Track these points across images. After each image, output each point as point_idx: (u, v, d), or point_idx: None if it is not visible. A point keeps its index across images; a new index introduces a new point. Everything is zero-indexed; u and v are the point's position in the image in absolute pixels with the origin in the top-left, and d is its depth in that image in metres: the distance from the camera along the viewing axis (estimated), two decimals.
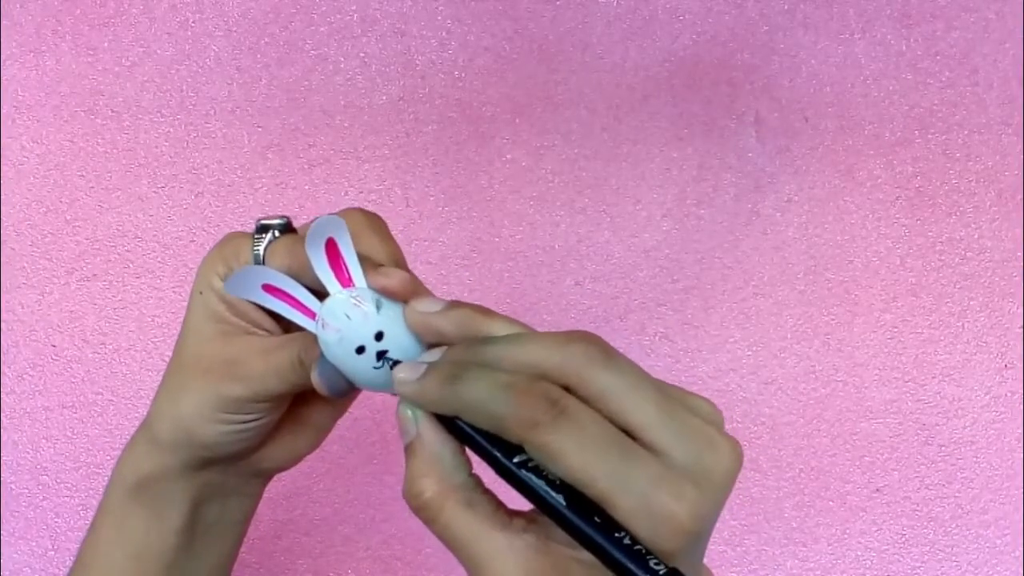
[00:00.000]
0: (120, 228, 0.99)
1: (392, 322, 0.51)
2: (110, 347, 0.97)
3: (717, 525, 0.45)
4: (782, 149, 1.01)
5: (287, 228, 0.56)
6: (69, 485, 0.95)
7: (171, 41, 1.01)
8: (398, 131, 1.01)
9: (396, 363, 0.50)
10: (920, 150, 1.02)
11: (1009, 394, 0.99)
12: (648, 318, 0.99)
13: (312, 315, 0.51)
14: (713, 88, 1.02)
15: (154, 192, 0.99)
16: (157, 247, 0.99)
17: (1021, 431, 0.98)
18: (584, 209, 1.00)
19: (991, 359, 1.00)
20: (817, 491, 0.98)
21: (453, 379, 0.46)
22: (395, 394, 0.51)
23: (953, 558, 0.97)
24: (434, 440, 0.48)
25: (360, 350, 0.51)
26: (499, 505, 0.48)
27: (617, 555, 0.42)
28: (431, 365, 0.47)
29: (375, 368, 0.51)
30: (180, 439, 0.57)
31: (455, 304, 0.50)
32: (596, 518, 0.42)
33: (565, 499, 0.43)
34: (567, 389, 0.44)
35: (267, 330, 0.57)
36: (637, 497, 0.41)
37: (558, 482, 0.44)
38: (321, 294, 0.51)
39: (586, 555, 0.43)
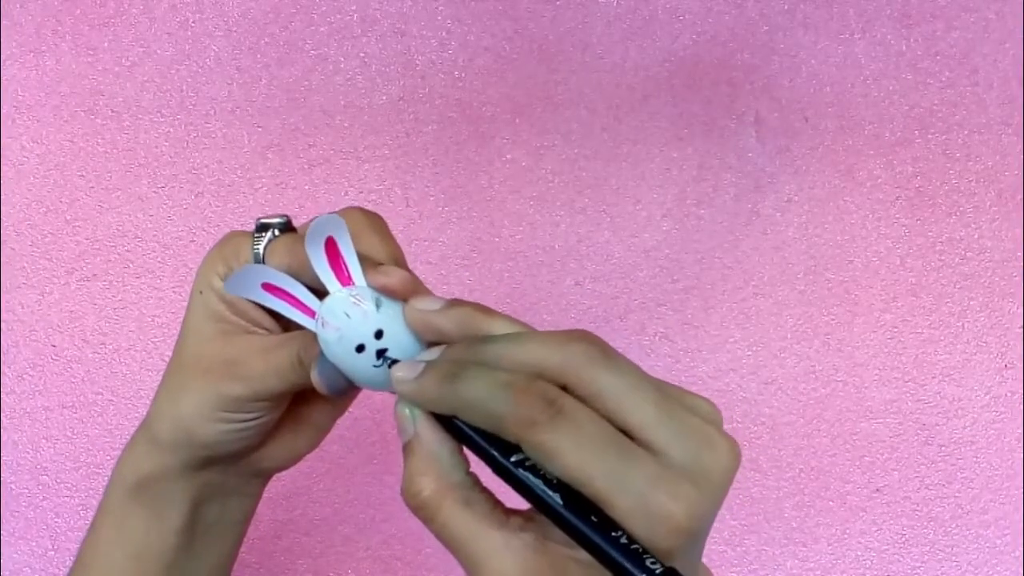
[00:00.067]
0: (120, 228, 0.99)
1: (392, 320, 0.51)
2: (110, 347, 0.97)
3: (717, 525, 0.45)
4: (782, 149, 1.01)
5: (287, 227, 0.56)
6: (69, 485, 0.95)
7: (171, 41, 1.01)
8: (398, 131, 1.01)
9: (395, 362, 0.50)
10: (920, 150, 1.02)
11: (1009, 394, 0.99)
12: (648, 318, 0.99)
13: (312, 314, 0.51)
14: (713, 88, 1.02)
15: (154, 192, 0.99)
16: (157, 247, 0.99)
17: (1021, 431, 0.98)
18: (584, 209, 1.00)
19: (991, 359, 1.00)
20: (817, 491, 0.98)
21: (451, 378, 0.46)
22: (395, 392, 0.51)
23: (953, 558, 0.97)
24: (432, 439, 0.48)
25: (360, 348, 0.50)
26: (497, 504, 0.48)
27: (614, 554, 0.42)
28: (429, 364, 0.47)
29: (375, 367, 0.51)
30: (180, 439, 0.57)
31: (455, 302, 0.50)
32: (593, 517, 0.42)
33: (562, 498, 0.43)
34: (565, 389, 0.44)
35: (267, 329, 0.57)
36: (634, 496, 0.41)
37: (555, 481, 0.44)
38: (321, 293, 0.51)
39: (583, 554, 0.43)
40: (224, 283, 0.54)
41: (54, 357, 0.97)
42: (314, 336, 0.51)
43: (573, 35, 1.02)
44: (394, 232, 0.56)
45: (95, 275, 0.98)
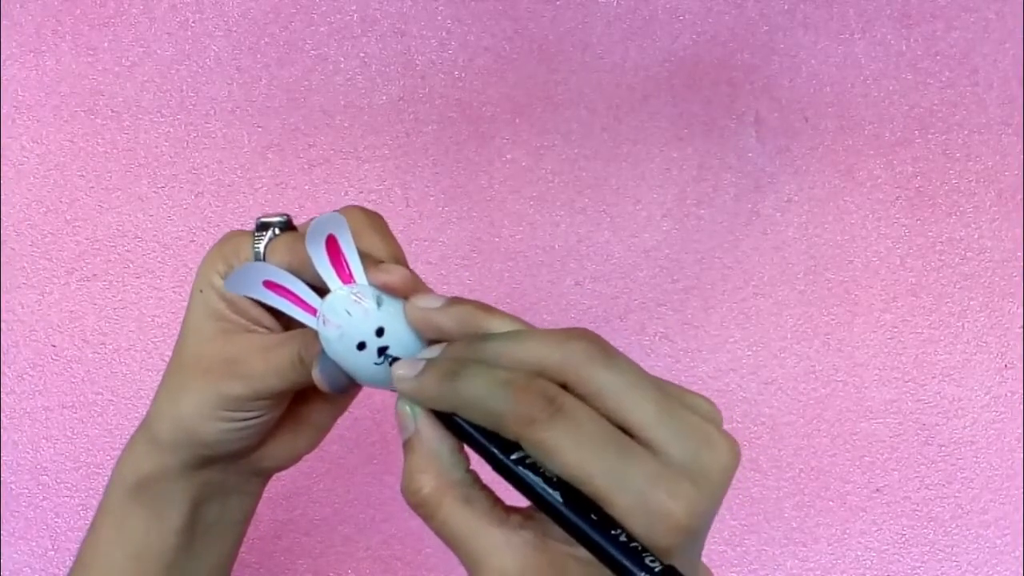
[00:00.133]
0: (120, 228, 0.99)
1: (393, 318, 0.51)
2: (110, 347, 0.97)
3: (717, 525, 0.45)
4: (782, 149, 1.01)
5: (287, 226, 0.56)
6: (69, 485, 0.95)
7: (171, 41, 1.01)
8: (398, 131, 1.01)
9: (396, 360, 0.50)
10: (920, 150, 1.02)
11: (1009, 394, 0.99)
12: (648, 318, 0.99)
13: (313, 311, 0.51)
14: (713, 88, 1.02)
15: (154, 192, 0.99)
16: (157, 247, 0.99)
17: (1021, 431, 0.98)
18: (584, 209, 1.00)
19: (991, 359, 1.00)
20: (817, 491, 0.98)
21: (451, 376, 0.46)
22: (395, 391, 0.51)
23: (953, 558, 0.97)
24: (432, 436, 0.48)
25: (361, 346, 0.51)
26: (496, 501, 0.48)
27: (613, 552, 0.42)
28: (430, 362, 0.48)
29: (376, 364, 0.51)
30: (180, 438, 0.57)
31: (455, 300, 0.50)
32: (593, 515, 0.42)
33: (562, 496, 0.43)
34: (565, 387, 0.44)
35: (267, 328, 0.57)
36: (634, 495, 0.41)
37: (555, 479, 0.44)
38: (322, 291, 0.51)
39: (583, 552, 0.43)
40: (225, 281, 0.54)
41: (54, 357, 0.97)
42: (315, 334, 0.52)
43: (573, 35, 1.02)
44: (394, 232, 0.56)
45: (95, 275, 0.98)
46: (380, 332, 0.51)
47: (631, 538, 0.42)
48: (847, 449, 0.98)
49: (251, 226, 0.56)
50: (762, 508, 0.97)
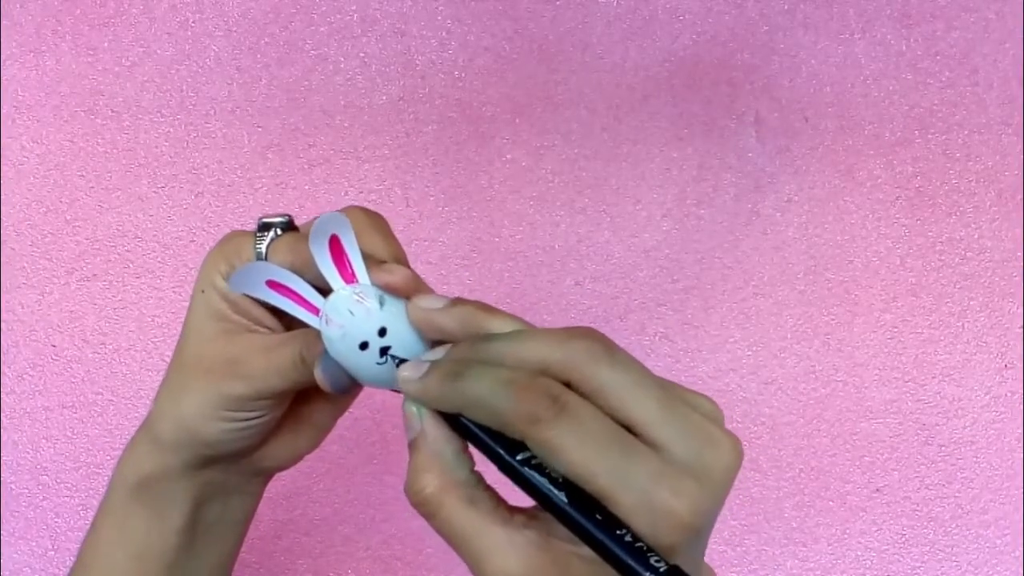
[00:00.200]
0: (120, 228, 0.99)
1: (395, 318, 0.51)
2: (110, 347, 0.97)
3: (717, 525, 0.45)
4: (782, 149, 1.01)
5: (289, 226, 0.56)
6: (69, 485, 0.95)
7: (171, 41, 1.01)
8: (398, 131, 1.01)
9: (402, 361, 0.50)
10: (920, 150, 1.02)
11: (1009, 394, 0.99)
12: (648, 318, 0.99)
13: (316, 311, 0.51)
14: (713, 88, 1.02)
15: (154, 192, 0.99)
16: (157, 247, 0.99)
17: (1021, 431, 0.98)
18: (584, 209, 1.00)
19: (991, 359, 1.00)
20: (817, 491, 0.98)
21: (455, 376, 0.46)
22: (397, 391, 0.51)
23: (953, 558, 0.97)
24: (437, 437, 0.48)
25: (363, 346, 0.51)
26: (500, 501, 0.48)
27: (618, 552, 0.42)
28: (434, 363, 0.48)
29: (378, 364, 0.51)
30: (182, 438, 0.57)
31: (458, 301, 0.50)
32: (598, 515, 0.42)
33: (567, 496, 0.43)
34: (569, 385, 0.44)
35: (269, 328, 0.57)
36: (637, 493, 0.41)
37: (560, 479, 0.44)
38: (324, 291, 0.51)
39: (587, 551, 0.43)
40: (228, 280, 0.54)
41: (54, 357, 0.97)
42: (317, 334, 0.52)
43: (573, 35, 1.02)
44: (394, 232, 0.56)
45: (95, 275, 0.98)
46: (382, 332, 0.51)
47: (636, 538, 0.42)
48: (847, 449, 0.98)
49: (251, 226, 0.56)
50: (762, 508, 0.97)
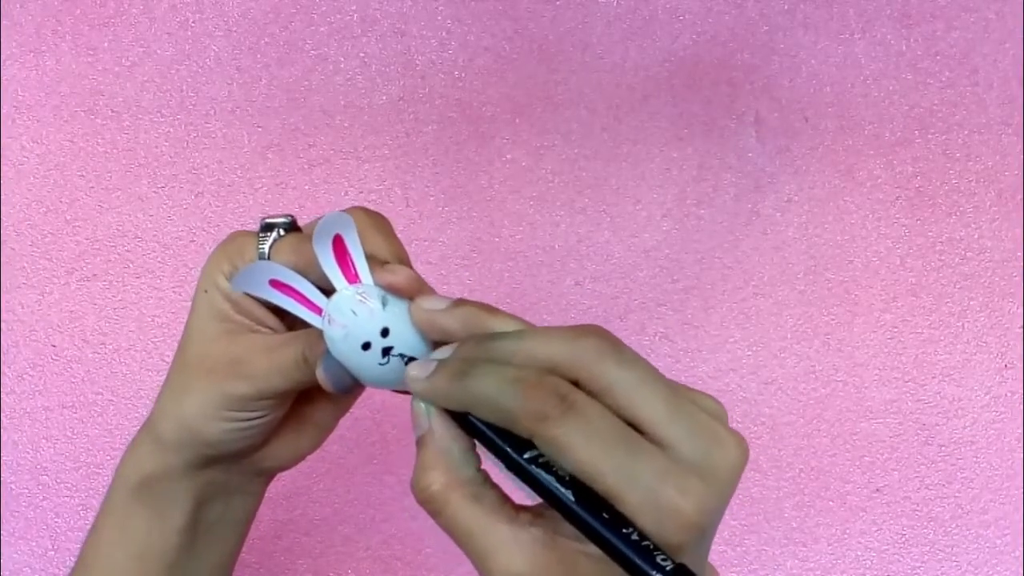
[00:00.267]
0: (120, 228, 0.99)
1: (398, 319, 0.51)
2: (110, 347, 0.97)
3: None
4: (782, 149, 1.02)
5: (292, 227, 0.56)
6: (69, 485, 0.95)
7: (171, 41, 1.01)
8: (398, 131, 1.01)
9: (410, 359, 0.50)
10: (920, 150, 1.02)
11: (1009, 394, 0.99)
12: (648, 318, 0.99)
13: (318, 311, 0.51)
14: (713, 88, 1.02)
15: (154, 192, 0.99)
16: (157, 247, 0.98)
17: (1021, 431, 0.98)
18: (584, 209, 1.00)
19: (991, 359, 1.00)
20: (817, 491, 0.98)
21: (462, 375, 0.46)
22: (398, 391, 0.51)
23: (953, 558, 0.97)
24: (445, 435, 0.48)
25: (366, 346, 0.51)
26: (506, 499, 0.48)
27: (625, 550, 0.42)
28: (441, 362, 0.48)
29: (380, 365, 0.51)
30: (184, 438, 0.57)
31: (460, 302, 0.50)
32: (604, 514, 0.43)
33: (574, 495, 0.43)
34: (576, 384, 0.44)
35: (271, 328, 0.57)
36: (644, 492, 0.42)
37: (567, 478, 0.44)
38: (327, 291, 0.51)
39: (593, 549, 0.43)
40: (231, 280, 0.54)
41: (54, 357, 0.97)
42: (319, 334, 0.52)
43: (573, 35, 1.02)
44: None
45: (95, 275, 0.98)
46: (385, 332, 0.51)
47: (643, 536, 0.42)
48: (847, 449, 0.98)
49: (251, 226, 0.56)
50: (762, 508, 0.97)
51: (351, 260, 0.51)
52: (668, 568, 0.41)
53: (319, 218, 0.51)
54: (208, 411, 0.56)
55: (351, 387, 0.53)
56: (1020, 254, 1.01)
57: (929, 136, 1.02)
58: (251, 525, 0.66)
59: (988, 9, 1.03)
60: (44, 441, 0.95)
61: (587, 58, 1.02)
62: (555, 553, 0.45)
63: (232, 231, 0.57)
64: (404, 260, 0.55)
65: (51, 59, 1.01)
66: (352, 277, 0.51)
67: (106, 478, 0.61)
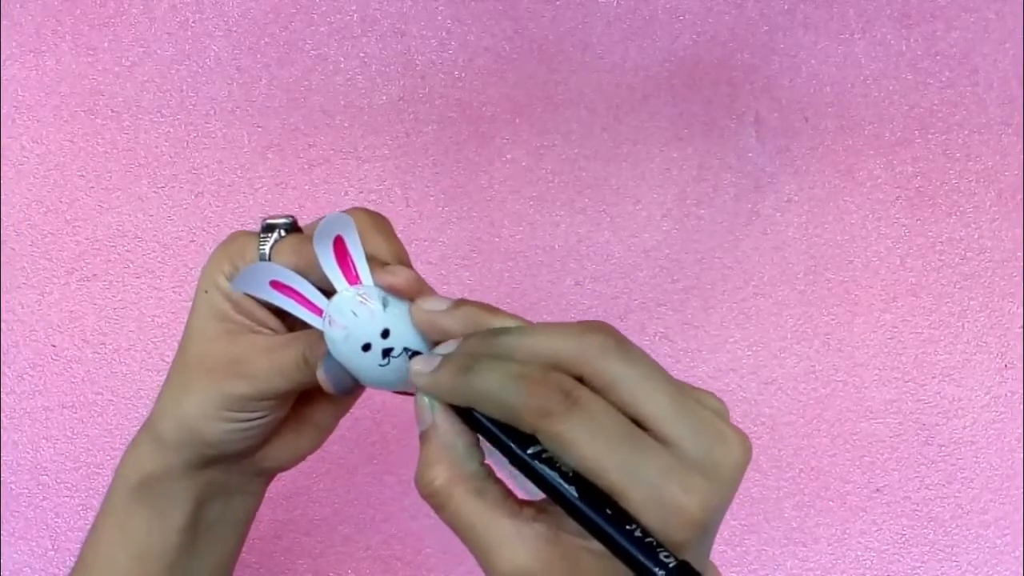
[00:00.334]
0: (120, 228, 0.99)
1: (398, 320, 0.51)
2: (110, 347, 0.97)
3: None
4: (782, 149, 1.02)
5: (293, 227, 0.56)
6: (69, 485, 0.95)
7: (171, 41, 1.01)
8: (398, 131, 1.01)
9: (414, 354, 0.50)
10: (920, 150, 1.02)
11: (1009, 394, 0.99)
12: (648, 318, 0.99)
13: (319, 312, 0.51)
14: (713, 88, 1.02)
15: (154, 192, 0.99)
16: (157, 247, 0.98)
17: (1021, 431, 0.98)
18: (584, 209, 1.00)
19: (991, 359, 1.00)
20: (817, 491, 0.98)
21: (466, 370, 0.46)
22: (399, 392, 0.51)
23: (953, 558, 0.97)
24: (448, 430, 0.48)
25: (366, 347, 0.51)
26: (509, 494, 0.48)
27: (628, 547, 0.42)
28: (445, 357, 0.48)
29: (381, 366, 0.51)
30: (184, 438, 0.57)
31: (461, 302, 0.50)
32: (608, 510, 0.43)
33: (577, 491, 0.43)
34: (581, 380, 0.44)
35: (272, 329, 0.57)
36: (648, 488, 0.42)
37: (571, 474, 0.44)
38: (327, 292, 0.51)
39: (596, 545, 0.43)
40: (232, 280, 0.54)
41: (54, 357, 0.97)
42: (320, 335, 0.52)
43: (573, 35, 1.02)
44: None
45: (95, 275, 0.98)
46: (385, 334, 0.51)
47: (646, 533, 0.42)
48: (847, 449, 0.98)
49: (252, 226, 0.56)
50: (762, 508, 0.97)
51: (352, 261, 0.51)
52: (671, 565, 0.41)
53: (320, 219, 0.51)
54: (208, 411, 0.56)
55: (351, 388, 0.53)
56: (1020, 254, 1.01)
57: (929, 136, 1.02)
58: (251, 525, 0.66)
59: (988, 9, 1.03)
60: (44, 441, 0.95)
61: (587, 58, 1.02)
62: (558, 549, 0.45)
63: (232, 231, 0.57)
64: (405, 261, 0.55)
65: (51, 59, 1.01)
66: (353, 278, 0.51)
67: (106, 478, 0.61)
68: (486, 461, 0.48)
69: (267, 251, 0.54)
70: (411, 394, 0.50)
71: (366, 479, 0.96)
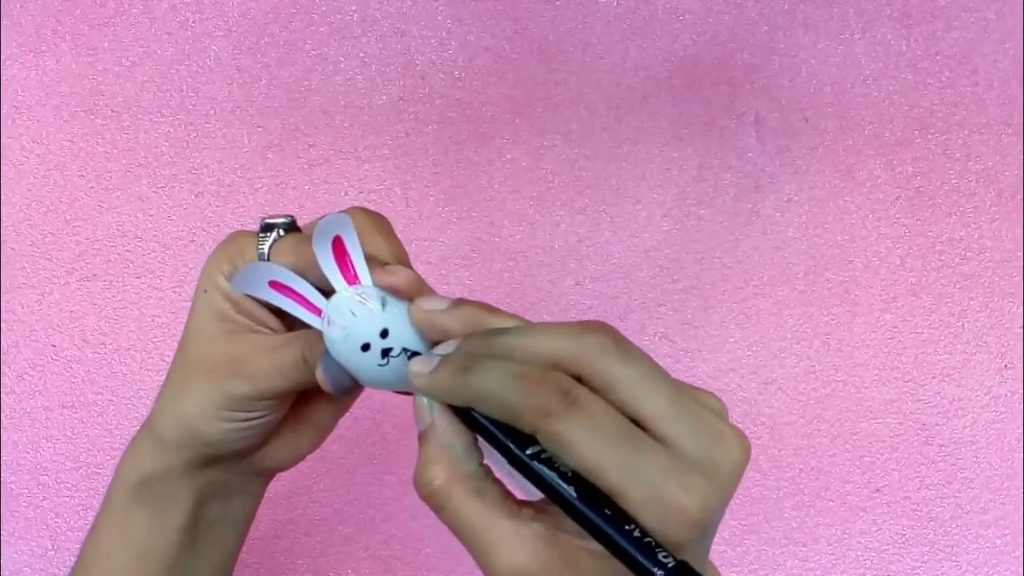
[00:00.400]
0: (120, 228, 0.99)
1: (397, 320, 0.51)
2: (110, 347, 0.97)
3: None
4: (782, 149, 1.02)
5: (292, 227, 0.56)
6: (69, 485, 0.95)
7: (171, 41, 1.01)
8: (398, 131, 1.01)
9: (414, 354, 0.50)
10: (920, 150, 1.02)
11: (1009, 394, 0.99)
12: (648, 318, 0.99)
13: (318, 312, 0.51)
14: (713, 88, 1.02)
15: (154, 192, 0.99)
16: (157, 247, 0.98)
17: (1021, 431, 0.98)
18: (584, 209, 1.00)
19: (991, 359, 1.00)
20: (817, 491, 0.98)
21: (465, 370, 0.46)
22: (398, 392, 0.51)
23: (953, 558, 0.97)
24: (447, 430, 0.48)
25: (365, 347, 0.51)
26: (508, 494, 0.48)
27: (627, 547, 0.42)
28: (444, 357, 0.48)
29: (380, 366, 0.51)
30: (184, 438, 0.57)
31: (460, 302, 0.50)
32: (607, 510, 0.43)
33: (576, 491, 0.43)
34: (579, 379, 0.44)
35: (271, 328, 0.57)
36: (647, 488, 0.42)
37: (569, 474, 0.44)
38: (326, 292, 0.51)
39: (595, 545, 0.43)
40: (231, 280, 0.54)
41: (54, 357, 0.97)
42: (319, 335, 0.52)
43: (573, 35, 1.02)
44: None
45: (95, 275, 0.98)
46: (384, 334, 0.51)
47: (644, 533, 0.42)
48: (847, 449, 0.98)
49: (251, 226, 0.56)
50: (762, 508, 0.97)
51: (350, 261, 0.51)
52: (670, 565, 0.41)
53: (319, 219, 0.51)
54: (208, 411, 0.56)
55: (350, 388, 0.53)
56: (1020, 254, 1.01)
57: (929, 136, 1.02)
58: (251, 525, 0.66)
59: (988, 9, 1.03)
60: (44, 441, 0.95)
61: (587, 58, 1.02)
62: (557, 549, 0.45)
63: (232, 231, 0.57)
64: (404, 261, 0.54)
65: (51, 59, 1.01)
66: (351, 278, 0.51)
67: (106, 478, 0.61)
68: (485, 461, 0.48)
69: (266, 251, 0.54)
70: (411, 394, 0.50)
71: (366, 479, 0.96)
